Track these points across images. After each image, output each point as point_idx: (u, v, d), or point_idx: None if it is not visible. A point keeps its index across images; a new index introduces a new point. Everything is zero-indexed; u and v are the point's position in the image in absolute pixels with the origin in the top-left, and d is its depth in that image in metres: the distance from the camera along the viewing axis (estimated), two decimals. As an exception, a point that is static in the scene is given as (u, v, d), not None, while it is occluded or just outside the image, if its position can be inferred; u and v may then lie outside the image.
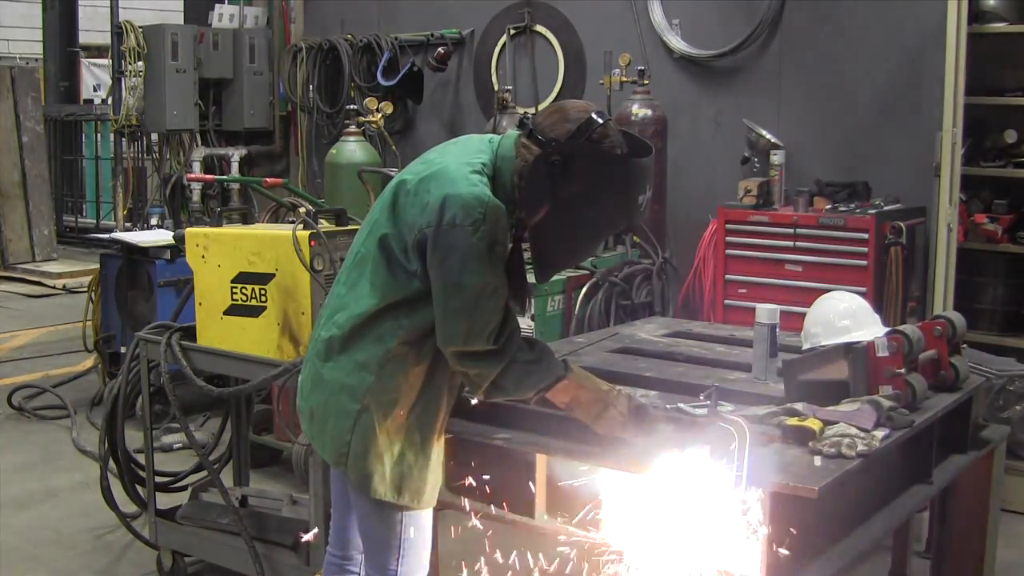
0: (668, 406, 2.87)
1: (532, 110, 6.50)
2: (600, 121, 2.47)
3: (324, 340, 2.60)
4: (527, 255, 2.63)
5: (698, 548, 2.50)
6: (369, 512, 2.63)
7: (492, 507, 2.83)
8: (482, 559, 2.75)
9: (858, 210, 5.28)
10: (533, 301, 5.06)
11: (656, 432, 2.54)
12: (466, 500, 2.88)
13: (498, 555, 2.71)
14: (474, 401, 2.73)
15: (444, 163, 2.50)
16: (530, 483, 2.75)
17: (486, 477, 2.80)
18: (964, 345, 3.34)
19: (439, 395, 2.61)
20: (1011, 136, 5.16)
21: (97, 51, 16.64)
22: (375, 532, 2.66)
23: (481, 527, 2.78)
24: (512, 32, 7.50)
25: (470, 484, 2.85)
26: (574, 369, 2.58)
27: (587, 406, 2.56)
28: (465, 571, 2.80)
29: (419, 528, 2.66)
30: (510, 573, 2.70)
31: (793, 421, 2.70)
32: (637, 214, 2.55)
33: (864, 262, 5.14)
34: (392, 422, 2.55)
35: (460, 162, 2.49)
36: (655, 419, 2.57)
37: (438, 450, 2.65)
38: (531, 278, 2.68)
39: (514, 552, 2.70)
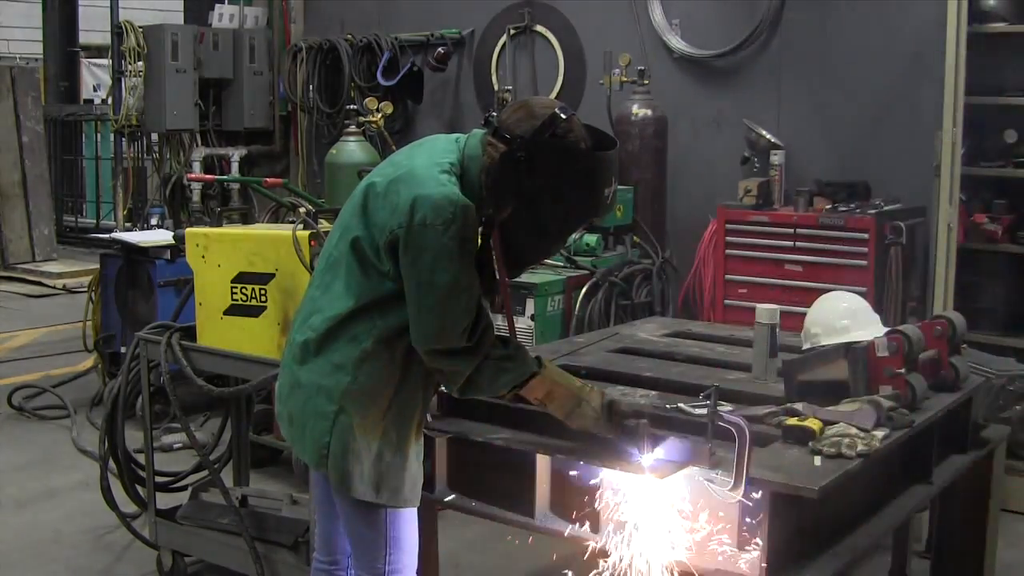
0: (668, 406, 2.87)
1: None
2: (564, 116, 2.48)
3: (299, 344, 2.61)
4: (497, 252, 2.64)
5: (697, 547, 2.50)
6: (353, 513, 2.64)
7: (492, 507, 2.84)
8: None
9: (858, 210, 5.28)
10: (533, 301, 5.07)
11: (628, 428, 2.55)
12: (466, 500, 2.88)
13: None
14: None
15: (412, 164, 2.52)
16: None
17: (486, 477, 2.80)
18: (964, 345, 3.34)
19: (415, 394, 2.62)
20: (1011, 136, 5.16)
21: (97, 51, 16.64)
22: (361, 533, 2.66)
23: (481, 527, 2.78)
24: (512, 32, 7.50)
25: (470, 484, 2.86)
26: (547, 365, 2.60)
27: (560, 402, 2.59)
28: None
29: (404, 526, 2.67)
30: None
31: (793, 421, 2.71)
32: (604, 207, 2.56)
33: (864, 262, 5.14)
34: (369, 421, 2.56)
35: (428, 163, 2.50)
36: (627, 415, 2.59)
37: (416, 449, 2.66)
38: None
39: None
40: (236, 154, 9.03)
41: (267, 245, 3.74)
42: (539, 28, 7.39)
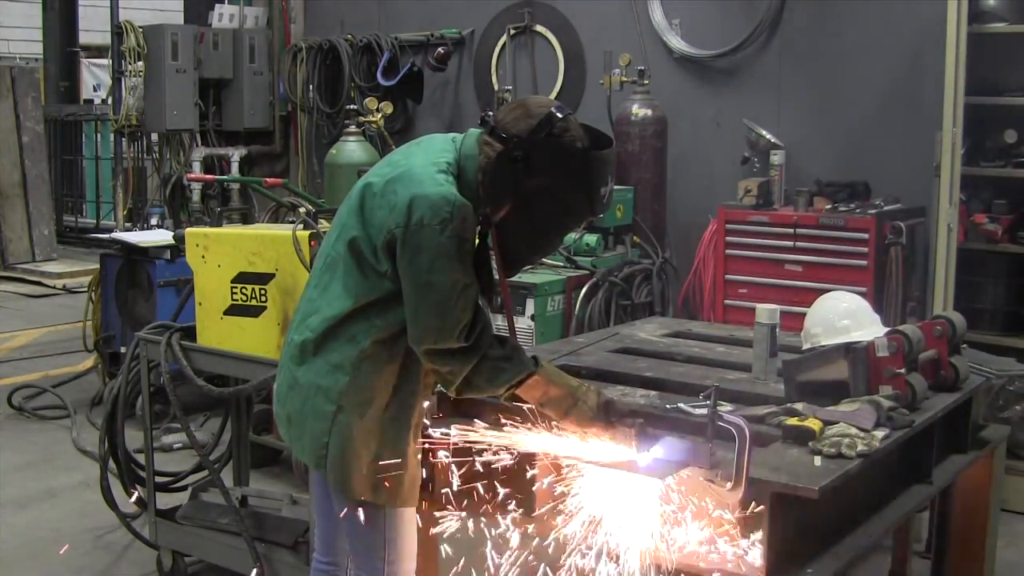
0: (668, 406, 2.87)
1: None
2: (560, 116, 2.48)
3: (298, 344, 2.61)
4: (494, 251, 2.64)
5: (697, 548, 2.50)
6: (352, 513, 2.64)
7: (491, 507, 2.83)
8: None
9: (858, 210, 5.28)
10: (533, 301, 5.07)
11: (625, 427, 2.55)
12: (465, 500, 2.87)
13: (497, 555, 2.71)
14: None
15: (409, 164, 2.52)
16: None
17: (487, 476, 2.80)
18: (964, 345, 3.34)
19: (413, 394, 2.62)
20: (1011, 136, 5.16)
21: (97, 51, 16.62)
22: (359, 533, 2.66)
23: (480, 527, 2.78)
24: (512, 32, 7.50)
25: (469, 485, 2.85)
26: (544, 365, 2.60)
27: (557, 401, 2.58)
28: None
29: (402, 526, 2.67)
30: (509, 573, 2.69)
31: (793, 421, 2.71)
32: (601, 207, 2.55)
33: (864, 262, 5.14)
34: (368, 422, 2.56)
35: (425, 162, 2.50)
36: (624, 414, 2.59)
37: (414, 449, 2.66)
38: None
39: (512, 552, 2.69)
40: (236, 154, 9.03)
41: (267, 245, 3.74)
42: (539, 28, 7.39)
